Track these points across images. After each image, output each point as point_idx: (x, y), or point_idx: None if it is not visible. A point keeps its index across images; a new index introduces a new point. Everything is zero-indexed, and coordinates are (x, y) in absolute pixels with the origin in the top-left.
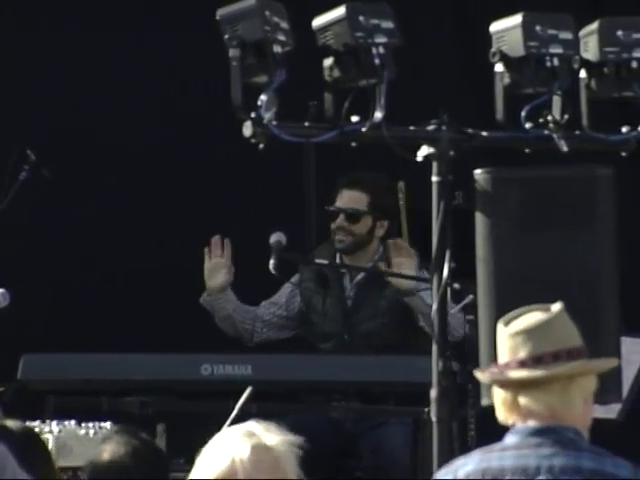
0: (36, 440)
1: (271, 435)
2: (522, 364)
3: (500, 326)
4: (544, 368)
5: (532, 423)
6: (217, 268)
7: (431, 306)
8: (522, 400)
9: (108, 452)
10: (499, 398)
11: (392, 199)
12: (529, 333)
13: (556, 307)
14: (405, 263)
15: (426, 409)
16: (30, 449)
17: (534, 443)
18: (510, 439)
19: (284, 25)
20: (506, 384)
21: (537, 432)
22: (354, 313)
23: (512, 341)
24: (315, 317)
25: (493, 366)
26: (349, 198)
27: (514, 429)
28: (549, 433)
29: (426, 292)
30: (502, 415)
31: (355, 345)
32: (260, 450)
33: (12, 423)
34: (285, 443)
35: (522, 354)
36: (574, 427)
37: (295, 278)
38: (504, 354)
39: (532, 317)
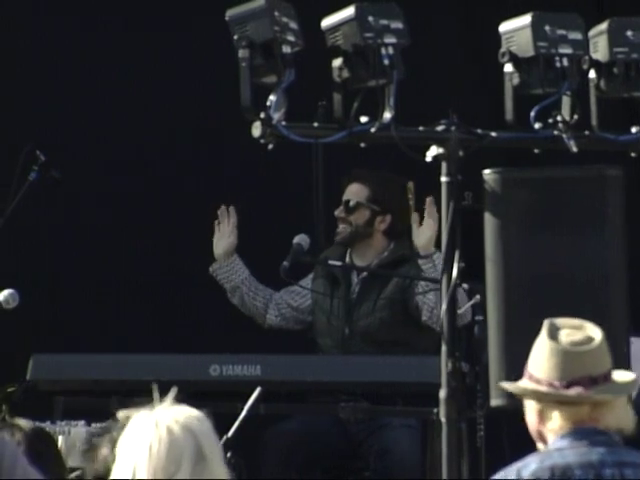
0: (47, 440)
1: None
2: (594, 381)
3: (548, 340)
4: (610, 387)
5: (578, 427)
6: (222, 236)
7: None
8: (597, 414)
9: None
10: (560, 412)
11: (396, 196)
12: (594, 352)
13: (597, 330)
14: (427, 234)
15: (435, 410)
16: (41, 448)
17: (588, 443)
18: (560, 443)
19: (293, 25)
20: (579, 401)
21: (587, 434)
22: (356, 309)
23: (575, 358)
24: (320, 313)
25: (543, 380)
26: (349, 190)
27: (560, 435)
28: (599, 435)
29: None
30: (560, 427)
31: (354, 341)
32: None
33: (24, 423)
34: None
35: (595, 371)
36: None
37: (309, 278)
38: (557, 367)
39: (588, 335)
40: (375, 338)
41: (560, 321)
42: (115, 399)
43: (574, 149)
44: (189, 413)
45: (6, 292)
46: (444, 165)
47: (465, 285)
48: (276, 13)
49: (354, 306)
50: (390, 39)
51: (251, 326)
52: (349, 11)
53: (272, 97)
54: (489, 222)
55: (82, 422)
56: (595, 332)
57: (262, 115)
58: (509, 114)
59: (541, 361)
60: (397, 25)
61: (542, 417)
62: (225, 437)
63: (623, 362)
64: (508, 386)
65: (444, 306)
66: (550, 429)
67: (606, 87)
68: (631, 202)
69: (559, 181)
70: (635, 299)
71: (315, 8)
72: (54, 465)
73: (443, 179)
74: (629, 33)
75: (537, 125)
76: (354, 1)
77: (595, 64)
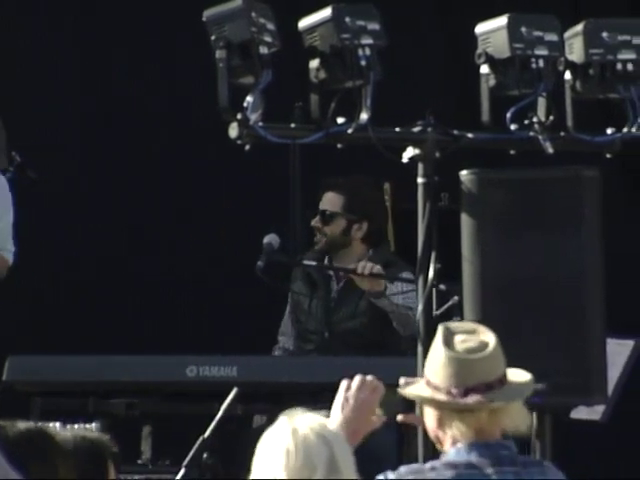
0: (37, 441)
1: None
2: (489, 387)
3: (443, 347)
4: (506, 391)
5: (478, 440)
6: None
7: (397, 305)
8: (495, 419)
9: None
10: (459, 419)
11: (372, 201)
12: (489, 359)
13: (491, 334)
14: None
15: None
16: (29, 450)
17: (496, 461)
18: (469, 457)
19: (270, 26)
20: (477, 408)
21: (493, 449)
22: (336, 312)
23: (471, 366)
24: (301, 316)
25: (447, 388)
26: (325, 200)
27: (466, 446)
28: (503, 449)
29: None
30: (461, 434)
31: (334, 343)
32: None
33: (22, 424)
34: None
35: (490, 377)
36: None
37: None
38: (454, 375)
39: (482, 340)
40: (355, 341)
41: (454, 325)
42: (92, 400)
43: (550, 150)
44: (324, 422)
45: None
46: (421, 166)
47: (442, 286)
48: (253, 14)
49: (334, 310)
50: (367, 40)
51: (228, 327)
52: (326, 12)
53: (249, 98)
54: (466, 223)
55: (58, 423)
56: (489, 336)
57: (239, 116)
58: (485, 115)
59: (437, 368)
60: (374, 26)
61: (441, 423)
62: (202, 438)
63: (599, 364)
64: (406, 392)
65: (420, 307)
66: (450, 435)
67: (582, 88)
68: (607, 203)
69: (535, 182)
70: (611, 300)
71: (292, 9)
72: (43, 466)
73: (420, 180)
74: (604, 34)
75: (513, 126)
76: (331, 2)
77: (571, 65)
